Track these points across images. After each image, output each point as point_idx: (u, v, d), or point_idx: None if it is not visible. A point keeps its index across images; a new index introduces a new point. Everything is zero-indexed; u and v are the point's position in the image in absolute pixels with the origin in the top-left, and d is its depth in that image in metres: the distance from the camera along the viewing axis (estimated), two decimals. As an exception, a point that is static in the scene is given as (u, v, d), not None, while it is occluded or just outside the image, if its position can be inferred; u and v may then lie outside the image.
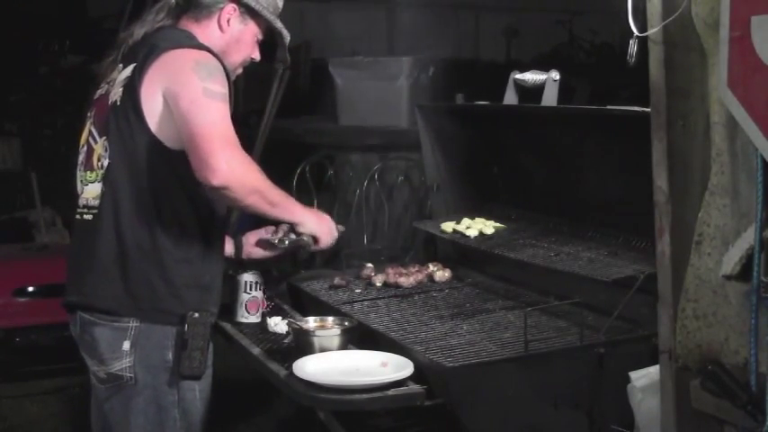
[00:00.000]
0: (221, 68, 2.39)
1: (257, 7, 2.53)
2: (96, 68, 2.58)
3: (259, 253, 2.82)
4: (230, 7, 2.52)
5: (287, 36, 2.62)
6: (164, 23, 2.51)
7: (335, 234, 2.66)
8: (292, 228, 2.58)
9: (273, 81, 4.50)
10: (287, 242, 2.61)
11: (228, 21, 2.52)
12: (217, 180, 2.23)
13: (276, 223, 2.66)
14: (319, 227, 2.60)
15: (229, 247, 2.80)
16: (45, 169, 6.90)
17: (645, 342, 2.33)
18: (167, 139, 2.36)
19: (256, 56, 2.61)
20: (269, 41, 2.64)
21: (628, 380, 2.12)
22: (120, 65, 2.48)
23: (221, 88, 2.34)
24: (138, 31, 2.50)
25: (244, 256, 2.83)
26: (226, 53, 2.51)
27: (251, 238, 2.83)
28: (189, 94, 2.30)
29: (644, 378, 2.09)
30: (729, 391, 1.75)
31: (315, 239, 2.60)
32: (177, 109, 2.30)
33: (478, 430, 2.27)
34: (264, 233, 2.78)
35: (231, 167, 2.24)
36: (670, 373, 1.93)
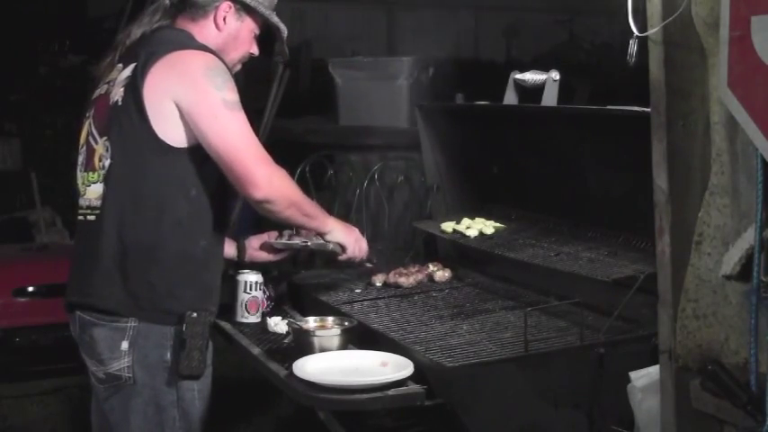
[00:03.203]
0: (229, 72, 2.41)
1: (252, 3, 2.53)
2: (94, 69, 2.59)
3: (263, 256, 2.85)
4: (225, 5, 2.52)
5: (284, 30, 2.62)
6: (161, 24, 2.52)
7: (365, 248, 2.76)
8: (320, 236, 2.67)
9: (273, 81, 4.50)
10: (310, 243, 2.70)
11: (225, 18, 2.52)
12: (260, 194, 2.32)
13: (279, 228, 2.71)
14: (347, 237, 2.70)
15: (231, 250, 2.81)
16: (45, 169, 6.89)
17: (645, 342, 2.33)
18: (170, 138, 2.36)
19: (255, 51, 2.62)
20: (267, 36, 2.65)
21: (628, 380, 2.12)
22: (120, 65, 2.48)
23: (235, 95, 2.38)
24: (136, 32, 2.50)
25: (247, 259, 2.85)
26: (224, 51, 2.51)
27: (254, 242, 2.84)
28: (209, 107, 2.33)
29: (644, 378, 2.09)
30: (729, 391, 1.76)
31: (342, 248, 2.70)
32: (198, 122, 2.33)
33: (478, 430, 2.27)
34: (268, 237, 2.81)
35: (272, 182, 2.34)
36: (670, 373, 1.93)
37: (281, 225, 2.72)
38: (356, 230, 2.76)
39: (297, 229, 2.69)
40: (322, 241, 2.72)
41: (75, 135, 2.62)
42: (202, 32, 2.51)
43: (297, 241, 2.74)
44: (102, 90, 2.51)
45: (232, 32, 2.54)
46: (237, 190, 2.38)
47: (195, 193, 2.41)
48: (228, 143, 2.33)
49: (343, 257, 2.73)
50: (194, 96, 2.34)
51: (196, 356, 2.38)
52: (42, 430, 4.37)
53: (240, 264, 2.84)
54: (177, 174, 2.39)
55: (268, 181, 2.34)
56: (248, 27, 2.57)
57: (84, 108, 2.59)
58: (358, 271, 3.16)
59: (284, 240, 2.74)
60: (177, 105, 2.34)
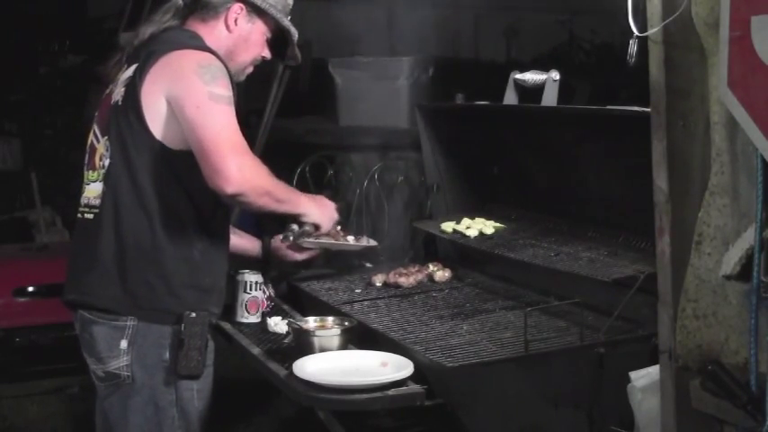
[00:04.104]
0: (224, 70, 2.39)
1: (264, 5, 2.52)
2: (102, 69, 2.58)
3: (289, 255, 2.84)
4: (237, 6, 2.51)
5: (295, 34, 2.61)
6: (170, 24, 2.51)
7: (335, 216, 2.73)
8: (296, 219, 2.64)
9: (273, 81, 4.50)
10: (291, 237, 2.69)
11: (236, 20, 2.51)
12: (231, 188, 2.25)
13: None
14: (321, 215, 2.67)
15: (256, 248, 2.81)
16: (45, 169, 6.90)
17: (645, 342, 2.33)
18: (168, 140, 2.36)
19: (267, 54, 2.61)
20: (279, 39, 2.63)
21: (628, 380, 2.12)
22: (126, 65, 2.48)
23: (226, 91, 2.34)
24: (145, 32, 2.50)
25: (273, 258, 2.85)
26: (234, 53, 2.51)
27: (280, 241, 2.84)
28: (194, 99, 2.30)
29: (644, 378, 2.09)
30: (729, 391, 1.75)
31: (316, 227, 2.67)
32: (183, 114, 2.31)
33: (478, 430, 2.27)
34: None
35: (243, 175, 2.27)
36: (670, 373, 1.93)
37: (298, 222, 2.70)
38: (323, 200, 2.72)
39: (297, 217, 2.67)
40: (351, 242, 2.73)
41: (75, 135, 2.62)
42: (213, 33, 2.50)
43: (325, 240, 2.74)
44: (108, 90, 2.52)
45: (243, 34, 2.53)
46: (209, 185, 2.28)
47: (191, 195, 2.41)
48: (204, 132, 2.27)
49: (316, 234, 2.70)
50: (181, 90, 2.32)
51: (194, 356, 2.38)
52: (42, 430, 4.37)
53: (266, 262, 2.84)
54: (175, 174, 2.38)
55: (239, 174, 2.25)
56: (260, 30, 2.55)
57: (84, 108, 2.60)
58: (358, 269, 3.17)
59: (312, 239, 2.72)
60: (168, 102, 2.33)
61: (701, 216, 1.86)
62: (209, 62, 2.37)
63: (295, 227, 2.68)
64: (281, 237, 2.82)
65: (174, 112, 2.33)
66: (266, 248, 2.86)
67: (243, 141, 2.33)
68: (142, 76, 2.35)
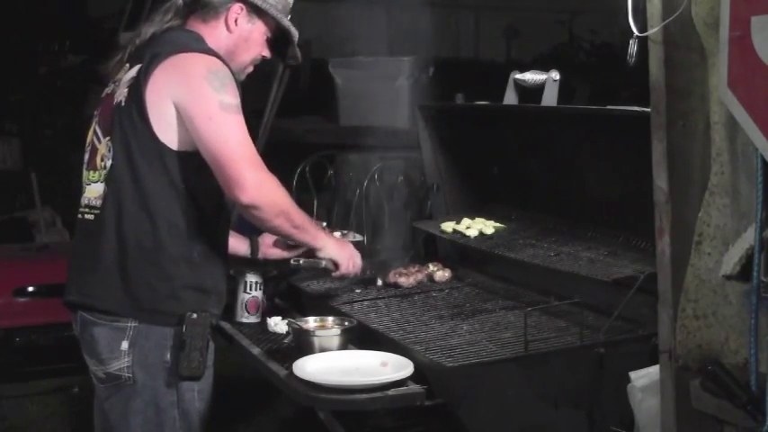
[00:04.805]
0: (231, 76, 2.39)
1: (264, 6, 2.52)
2: (103, 68, 2.58)
3: (276, 253, 2.84)
4: (237, 6, 2.51)
5: (295, 34, 2.61)
6: (172, 24, 2.51)
7: (359, 263, 2.75)
8: (311, 251, 2.66)
9: (273, 81, 4.49)
10: (302, 261, 2.73)
11: (236, 20, 2.51)
12: (247, 198, 2.28)
13: None
14: (340, 253, 2.68)
15: (244, 247, 2.82)
16: (45, 169, 6.91)
17: (645, 342, 2.33)
18: (171, 141, 2.36)
19: (267, 54, 2.60)
20: (279, 38, 2.63)
21: (628, 380, 2.12)
22: (127, 65, 2.47)
23: (234, 98, 2.36)
24: (146, 31, 2.49)
25: (260, 256, 2.85)
26: (235, 53, 2.51)
27: (267, 239, 2.84)
28: (206, 109, 2.31)
29: (644, 378, 2.09)
30: (729, 391, 1.76)
31: (335, 264, 2.69)
32: (193, 124, 2.31)
33: (478, 430, 2.27)
34: None
35: (260, 188, 2.30)
36: (670, 373, 1.93)
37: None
38: (349, 246, 2.76)
39: (313, 250, 2.67)
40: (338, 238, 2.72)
41: (75, 135, 2.62)
42: (213, 34, 2.50)
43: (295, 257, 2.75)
44: (108, 89, 2.51)
45: (243, 34, 2.53)
46: (226, 193, 2.34)
47: (193, 197, 2.41)
48: (220, 145, 2.30)
49: (336, 274, 2.73)
50: (191, 97, 2.33)
51: (196, 357, 2.38)
52: (42, 430, 4.37)
53: (253, 261, 2.84)
54: (176, 177, 2.38)
55: (256, 186, 2.29)
56: (260, 30, 2.55)
57: (84, 107, 2.59)
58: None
59: (297, 254, 2.74)
60: (176, 107, 2.33)
61: (701, 216, 1.86)
62: (217, 68, 2.37)
63: (310, 259, 2.69)
64: (266, 235, 2.82)
65: (183, 118, 2.33)
66: (254, 246, 2.86)
67: (257, 154, 2.35)
68: (146, 77, 2.35)
